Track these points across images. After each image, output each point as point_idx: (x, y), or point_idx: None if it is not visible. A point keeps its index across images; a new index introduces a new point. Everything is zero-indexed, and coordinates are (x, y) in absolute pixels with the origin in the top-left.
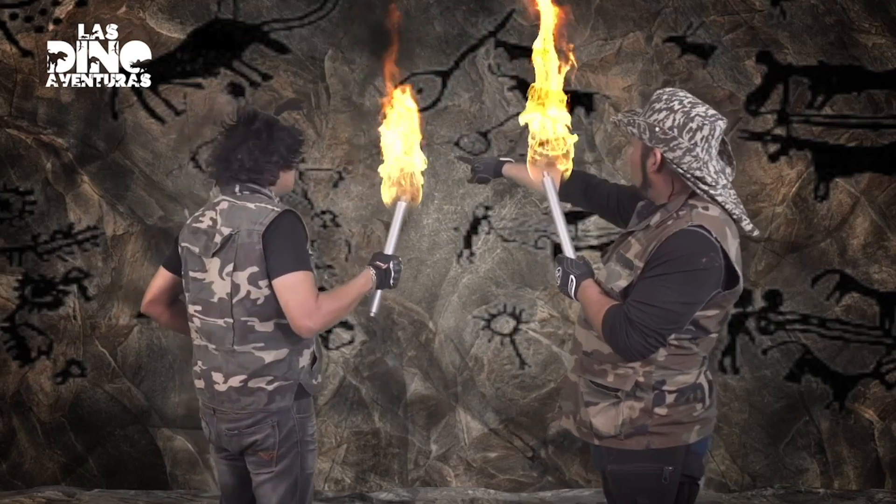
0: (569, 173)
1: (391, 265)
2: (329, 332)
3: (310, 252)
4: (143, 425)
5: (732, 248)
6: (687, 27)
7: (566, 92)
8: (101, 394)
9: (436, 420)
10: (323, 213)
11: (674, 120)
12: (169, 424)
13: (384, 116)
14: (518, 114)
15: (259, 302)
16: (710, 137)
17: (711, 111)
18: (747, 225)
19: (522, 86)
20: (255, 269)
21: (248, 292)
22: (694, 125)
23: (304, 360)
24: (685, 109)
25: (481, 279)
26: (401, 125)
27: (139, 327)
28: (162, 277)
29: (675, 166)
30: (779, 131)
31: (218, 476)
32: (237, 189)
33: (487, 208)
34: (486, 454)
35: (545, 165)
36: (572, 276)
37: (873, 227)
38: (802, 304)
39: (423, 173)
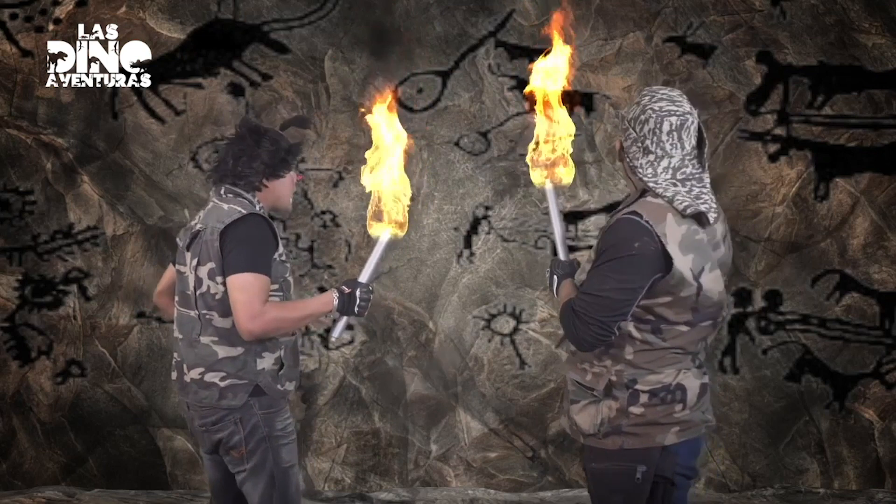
0: (570, 177)
1: (357, 292)
2: (328, 331)
3: (282, 258)
4: (143, 425)
5: (673, 232)
6: (687, 27)
7: (564, 92)
8: (101, 394)
9: (436, 420)
10: (323, 213)
11: (632, 112)
12: (169, 424)
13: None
14: (518, 114)
15: (217, 297)
16: (657, 131)
17: (670, 107)
18: (680, 204)
19: (522, 86)
20: (212, 265)
21: (208, 287)
22: (643, 117)
23: (265, 362)
24: (644, 103)
25: (481, 279)
26: (387, 150)
27: (139, 327)
28: (169, 272)
29: (625, 154)
30: (779, 131)
31: (205, 472)
32: (222, 191)
33: (487, 208)
34: (486, 454)
35: (546, 171)
36: (555, 276)
37: (873, 227)
38: (802, 304)
39: (409, 202)
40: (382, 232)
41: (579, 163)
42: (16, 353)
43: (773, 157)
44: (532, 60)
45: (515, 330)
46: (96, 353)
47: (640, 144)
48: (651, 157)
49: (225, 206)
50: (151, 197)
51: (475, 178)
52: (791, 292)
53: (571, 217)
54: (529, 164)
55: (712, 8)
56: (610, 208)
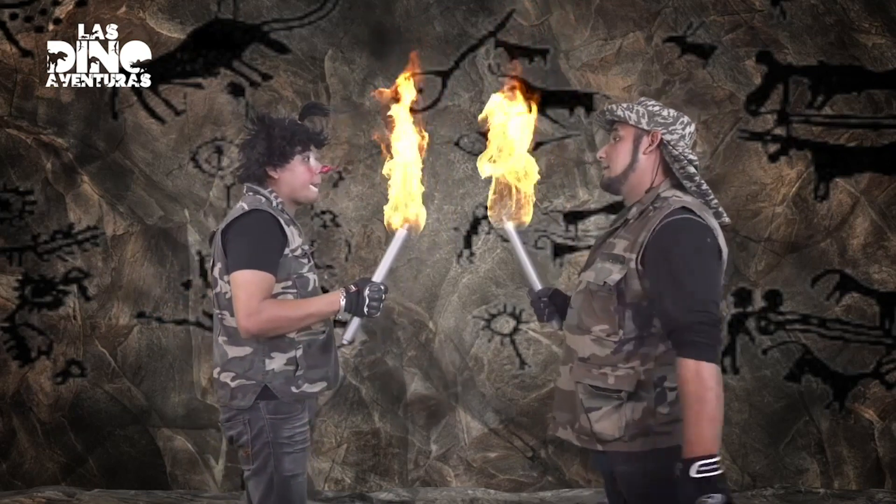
0: (528, 218)
1: (367, 291)
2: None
3: (295, 254)
4: (143, 425)
5: (713, 223)
6: (687, 27)
7: (564, 92)
8: (101, 394)
9: (436, 420)
10: (323, 213)
11: (668, 112)
12: (169, 424)
13: (389, 134)
14: (519, 113)
15: (227, 296)
16: (691, 136)
17: (683, 117)
18: (713, 200)
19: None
20: (220, 264)
21: (220, 286)
22: (685, 120)
23: (276, 363)
24: (668, 110)
25: (481, 279)
26: (406, 150)
27: (139, 327)
28: None
29: (671, 148)
30: (779, 131)
31: None
32: (245, 189)
33: (487, 208)
34: (486, 454)
35: (505, 211)
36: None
37: (873, 227)
38: (802, 304)
39: (423, 199)
40: (400, 227)
41: (579, 162)
42: (16, 353)
43: (773, 157)
44: (532, 60)
45: (515, 330)
46: (96, 353)
47: (685, 141)
48: (690, 152)
49: (238, 205)
50: (151, 197)
51: (475, 178)
52: (791, 292)
53: (571, 217)
54: (489, 207)
55: (712, 8)
56: (610, 208)
